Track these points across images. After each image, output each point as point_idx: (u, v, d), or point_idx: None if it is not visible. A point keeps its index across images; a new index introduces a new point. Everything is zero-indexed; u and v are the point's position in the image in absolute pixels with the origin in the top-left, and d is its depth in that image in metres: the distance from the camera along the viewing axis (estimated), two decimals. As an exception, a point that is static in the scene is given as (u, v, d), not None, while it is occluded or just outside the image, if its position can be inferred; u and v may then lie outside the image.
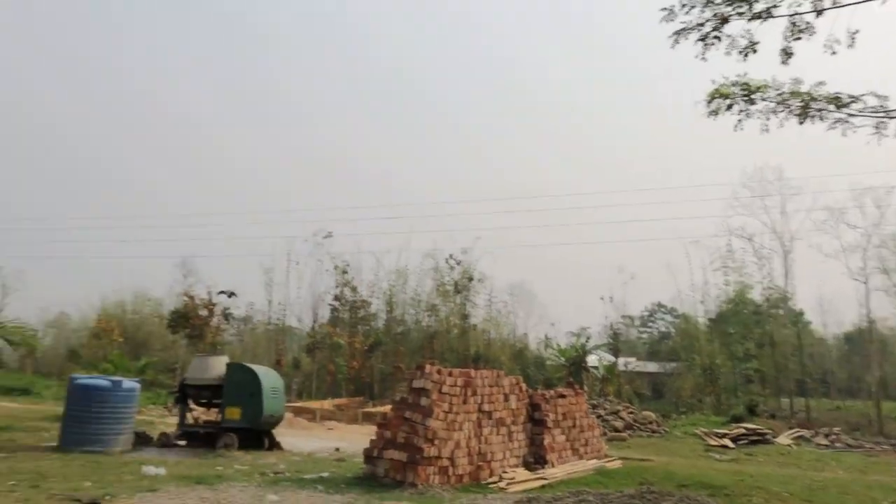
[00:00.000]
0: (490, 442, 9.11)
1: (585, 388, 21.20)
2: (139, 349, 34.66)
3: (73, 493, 6.81)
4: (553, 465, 9.89)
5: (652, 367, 34.75)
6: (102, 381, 11.01)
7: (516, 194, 60.10)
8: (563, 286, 47.56)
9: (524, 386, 10.16)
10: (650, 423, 19.62)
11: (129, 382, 11.30)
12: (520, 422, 9.80)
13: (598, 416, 17.38)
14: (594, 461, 10.85)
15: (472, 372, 9.27)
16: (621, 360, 29.21)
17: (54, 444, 10.52)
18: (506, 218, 34.13)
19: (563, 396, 10.74)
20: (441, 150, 64.46)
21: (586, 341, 27.99)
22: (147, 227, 55.47)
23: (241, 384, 11.83)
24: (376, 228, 50.54)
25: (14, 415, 15.15)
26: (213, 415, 12.68)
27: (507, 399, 9.61)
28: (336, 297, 31.54)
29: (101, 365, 23.66)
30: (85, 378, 11.26)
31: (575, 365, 26.08)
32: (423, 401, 8.35)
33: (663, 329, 46.79)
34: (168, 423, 14.27)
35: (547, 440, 10.00)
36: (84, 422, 10.38)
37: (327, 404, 22.12)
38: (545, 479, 9.08)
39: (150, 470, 8.37)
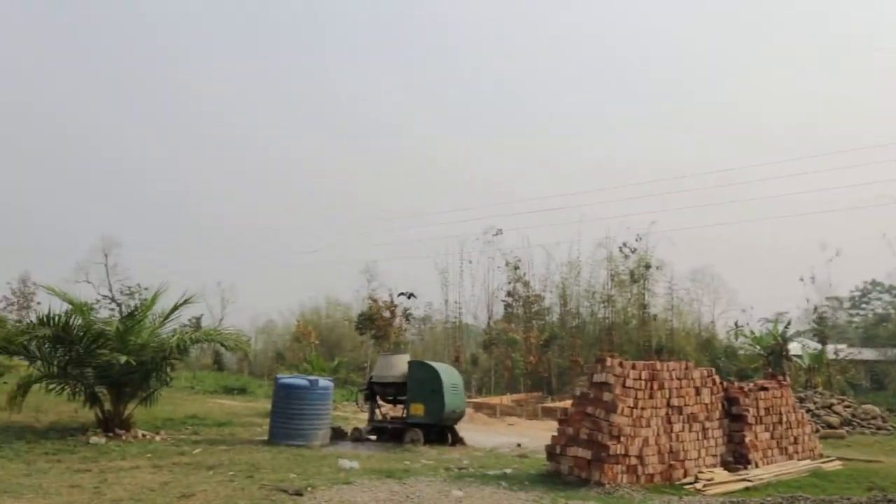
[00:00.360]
0: (682, 439, 8.43)
1: (788, 379, 19.06)
2: (333, 350, 37.72)
3: (280, 483, 7.41)
4: (757, 466, 8.93)
5: (869, 353, 30.47)
6: (301, 381, 11.96)
7: (686, 173, 56.13)
8: (754, 268, 43.41)
9: (717, 378, 9.28)
10: (873, 418, 17.10)
11: (324, 381, 12.17)
12: (715, 417, 8.97)
13: (808, 411, 15.47)
14: (807, 462, 9.63)
15: (658, 364, 8.64)
16: (830, 348, 25.93)
17: (265, 437, 11.63)
18: (679, 199, 31.88)
19: (764, 389, 9.66)
20: (600, 133, 62.17)
21: (786, 327, 25.22)
22: (336, 233, 60.05)
23: (422, 381, 12.21)
24: (545, 220, 49.95)
25: (233, 411, 17.08)
26: (399, 411, 13.25)
27: (698, 393, 8.84)
28: (509, 294, 31.75)
29: (301, 365, 26.08)
30: (287, 378, 12.32)
31: (774, 354, 23.58)
32: (606, 395, 7.94)
33: (880, 311, 40.88)
34: (360, 418, 15.19)
35: (748, 437, 9.04)
36: (288, 418, 11.35)
37: (506, 400, 22.22)
38: (749, 480, 8.20)
39: (346, 463, 8.89)
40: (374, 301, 30.53)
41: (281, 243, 63.77)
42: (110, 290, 41.51)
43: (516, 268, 30.85)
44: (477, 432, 14.24)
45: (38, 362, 11.46)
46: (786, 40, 64.00)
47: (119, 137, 68.01)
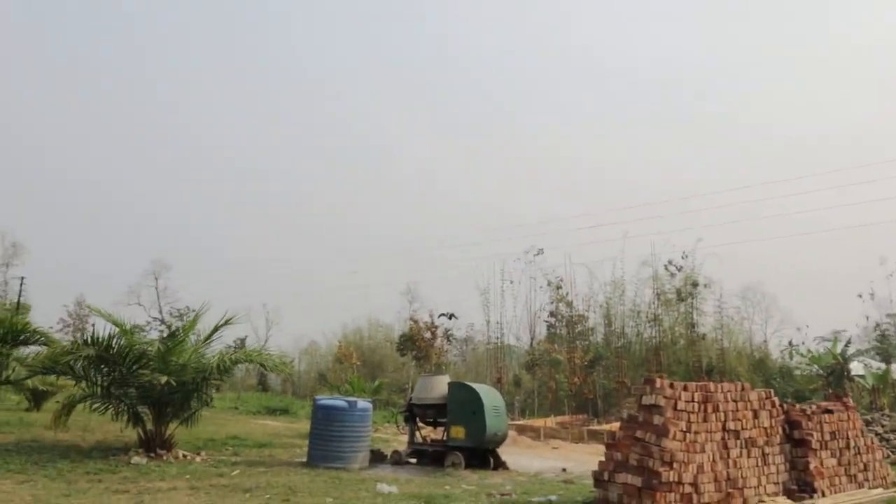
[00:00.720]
0: (740, 465, 7.88)
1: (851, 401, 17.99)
2: (375, 371, 37.72)
3: (316, 508, 7.20)
4: (824, 495, 8.28)
5: (939, 374, 28.62)
6: (340, 402, 11.80)
7: (730, 187, 54.61)
8: (806, 285, 41.65)
9: (776, 400, 8.70)
10: (949, 443, 15.91)
11: (363, 403, 11.98)
12: (775, 442, 8.37)
13: (876, 435, 14.50)
14: (879, 490, 8.90)
15: (711, 385, 8.14)
16: (895, 367, 24.49)
17: (304, 459, 11.47)
18: (724, 214, 30.90)
19: (829, 411, 9.00)
20: (637, 152, 61.19)
21: (847, 345, 23.95)
22: (376, 256, 60.53)
23: (463, 403, 11.90)
24: (587, 238, 49.04)
25: (275, 432, 17.03)
26: (439, 433, 12.95)
27: (756, 416, 8.27)
28: (552, 314, 31.18)
29: (342, 387, 26.03)
30: (325, 399, 12.18)
31: (834, 374, 22.43)
32: (656, 419, 7.48)
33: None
34: (400, 441, 14.92)
35: (812, 464, 8.40)
36: (326, 440, 11.18)
37: (550, 422, 21.62)
38: (816, 511, 7.60)
39: (384, 488, 8.63)
40: (415, 322, 30.39)
41: (324, 266, 64.53)
42: (160, 312, 42.62)
43: (559, 287, 30.30)
44: (520, 456, 13.79)
45: (83, 382, 11.60)
46: (828, 58, 62.15)
47: (164, 170, 70.38)
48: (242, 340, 36.95)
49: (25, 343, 14.50)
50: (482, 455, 11.85)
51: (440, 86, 73.76)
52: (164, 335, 12.48)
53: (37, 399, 18.72)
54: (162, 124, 72.21)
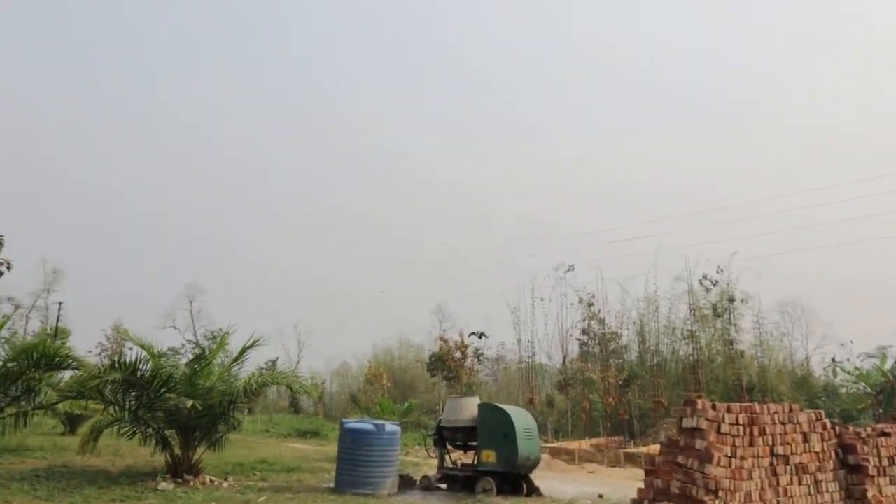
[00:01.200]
0: (791, 494, 7.37)
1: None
2: (407, 392, 37.43)
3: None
4: (884, 525, 7.71)
5: None
6: (367, 425, 11.53)
7: (764, 196, 53.23)
8: (849, 298, 40.09)
9: (828, 422, 8.17)
10: None
11: (391, 426, 11.69)
12: (828, 468, 7.84)
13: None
14: (945, 521, 8.26)
15: (757, 406, 7.66)
16: (950, 385, 23.25)
17: (331, 485, 11.21)
18: (759, 225, 29.99)
19: (886, 434, 8.43)
20: (668, 157, 60.25)
21: (896, 363, 22.90)
22: (408, 274, 60.49)
23: (493, 426, 11.53)
24: (618, 252, 48.03)
25: (304, 455, 16.83)
26: (470, 457, 12.58)
27: (806, 439, 7.76)
28: (584, 331, 30.59)
29: (373, 409, 25.77)
30: (352, 422, 11.92)
31: (884, 392, 21.39)
32: (699, 443, 7.04)
33: None
34: (431, 465, 14.57)
35: (870, 492, 7.83)
36: (354, 465, 10.91)
37: (585, 444, 21.01)
38: (877, 543, 7.04)
39: (413, 516, 8.32)
40: (445, 341, 30.13)
41: (355, 285, 64.62)
42: (195, 335, 43.08)
43: (590, 304, 29.73)
44: (554, 480, 13.32)
45: (112, 407, 11.57)
46: (869, 58, 60.68)
47: (194, 192, 71.79)
48: (273, 362, 36.96)
49: (58, 368, 14.60)
50: (514, 480, 11.44)
51: (467, 97, 73.98)
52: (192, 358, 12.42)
53: (72, 423, 18.88)
54: (197, 146, 73.76)
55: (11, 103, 65.20)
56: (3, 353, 13.80)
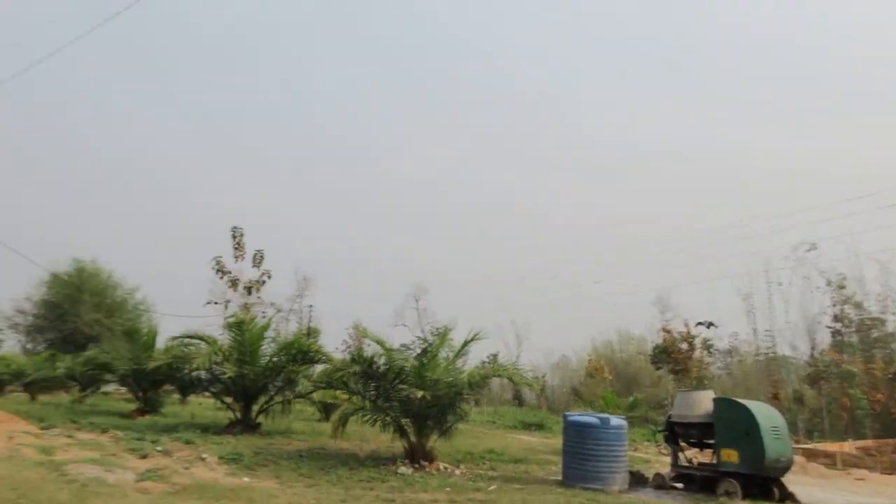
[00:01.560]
0: None
1: None
2: (630, 385, 36.14)
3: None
4: None
5: None
6: (591, 419, 11.23)
7: None
8: None
9: None
10: None
11: (616, 419, 11.24)
12: None
13: None
14: None
15: None
16: None
17: (558, 477, 11.12)
18: None
19: None
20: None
21: None
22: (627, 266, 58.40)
23: (732, 422, 10.47)
24: (871, 223, 40.01)
25: (530, 447, 17.01)
26: (706, 455, 11.60)
27: None
28: (835, 318, 26.66)
29: (596, 402, 25.21)
30: (576, 415, 11.70)
31: None
32: None
33: None
34: (662, 462, 13.78)
35: None
36: (581, 458, 10.68)
37: (848, 446, 18.27)
38: None
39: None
40: (668, 332, 28.34)
41: (571, 278, 64.09)
42: (422, 332, 46.24)
43: (841, 286, 25.80)
44: (814, 487, 11.75)
45: (355, 396, 12.78)
46: None
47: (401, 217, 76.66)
48: (494, 356, 38.16)
49: (311, 362, 16.69)
50: (762, 483, 10.25)
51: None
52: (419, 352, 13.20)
53: (326, 411, 21.32)
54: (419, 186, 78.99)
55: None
56: (270, 349, 16.16)
